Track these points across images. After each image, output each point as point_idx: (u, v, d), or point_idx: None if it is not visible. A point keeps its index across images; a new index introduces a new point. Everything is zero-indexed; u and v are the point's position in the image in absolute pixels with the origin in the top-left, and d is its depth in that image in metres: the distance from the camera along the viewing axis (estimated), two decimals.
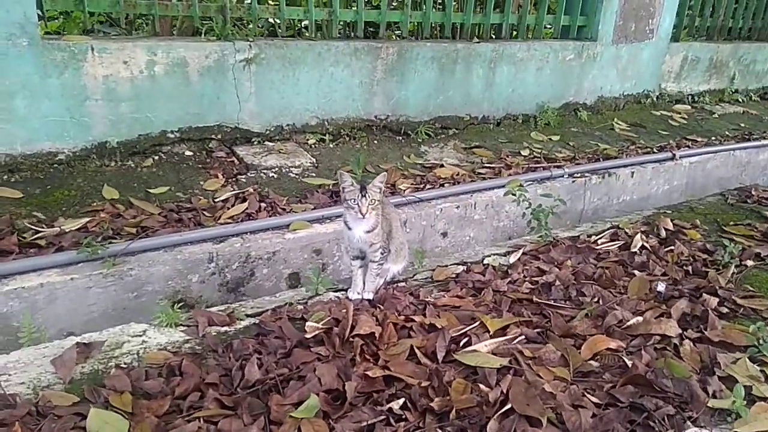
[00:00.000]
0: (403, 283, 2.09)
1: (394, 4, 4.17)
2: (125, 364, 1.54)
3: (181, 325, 1.73)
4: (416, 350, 1.63)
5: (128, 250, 2.20)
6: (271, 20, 3.42)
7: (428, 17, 3.77)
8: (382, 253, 1.95)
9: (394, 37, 4.17)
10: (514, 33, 4.33)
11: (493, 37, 4.17)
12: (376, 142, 3.63)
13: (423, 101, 3.79)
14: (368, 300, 1.95)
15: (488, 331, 1.75)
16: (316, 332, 1.68)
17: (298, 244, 2.53)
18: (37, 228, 2.24)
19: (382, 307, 1.85)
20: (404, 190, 2.98)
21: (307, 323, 1.69)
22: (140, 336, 1.67)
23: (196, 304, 2.34)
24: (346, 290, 2.00)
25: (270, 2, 3.89)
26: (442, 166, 3.39)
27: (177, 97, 2.92)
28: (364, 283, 1.97)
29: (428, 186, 3.10)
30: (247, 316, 1.81)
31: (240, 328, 1.74)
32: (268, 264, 2.48)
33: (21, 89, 2.49)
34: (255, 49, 3.07)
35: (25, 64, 2.50)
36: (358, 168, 2.86)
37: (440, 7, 4.01)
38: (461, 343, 1.69)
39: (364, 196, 1.82)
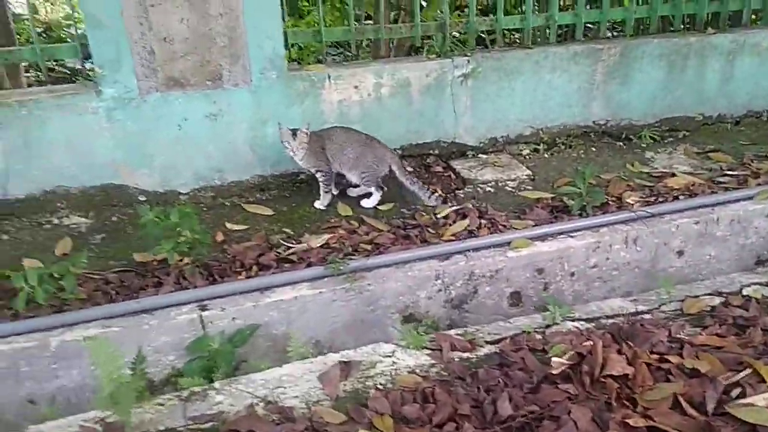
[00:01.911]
0: (648, 315, 1.94)
1: None
2: (380, 385, 1.64)
3: (425, 348, 1.80)
4: (679, 398, 1.50)
5: (365, 267, 2.35)
6: (484, 32, 3.41)
7: (656, 10, 3.45)
8: (321, 174, 2.75)
9: (611, 35, 3.89)
10: (755, 19, 3.77)
11: (731, 26, 3.68)
12: (594, 149, 3.43)
13: (647, 102, 3.48)
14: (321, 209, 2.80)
15: (764, 381, 1.53)
16: (562, 368, 1.62)
17: (520, 263, 2.48)
18: (288, 244, 2.50)
19: (631, 344, 1.72)
20: (632, 204, 2.77)
21: (553, 359, 1.64)
22: (390, 357, 1.77)
23: (423, 319, 2.42)
24: (584, 320, 1.92)
25: (478, 12, 3.87)
26: (673, 175, 3.08)
27: (400, 116, 3.05)
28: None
29: (659, 198, 2.85)
30: (486, 342, 1.82)
31: (481, 355, 1.76)
32: (491, 282, 2.47)
33: (270, 118, 2.80)
34: (472, 63, 3.09)
35: (274, 94, 2.80)
36: (583, 182, 2.71)
37: None
38: (732, 394, 1.51)
39: (295, 139, 2.62)
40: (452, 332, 1.89)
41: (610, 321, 1.91)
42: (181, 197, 2.81)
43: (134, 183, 2.73)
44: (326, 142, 2.74)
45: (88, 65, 2.71)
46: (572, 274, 2.57)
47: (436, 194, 2.83)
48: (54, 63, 4.37)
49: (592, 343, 1.68)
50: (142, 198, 2.76)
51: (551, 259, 2.51)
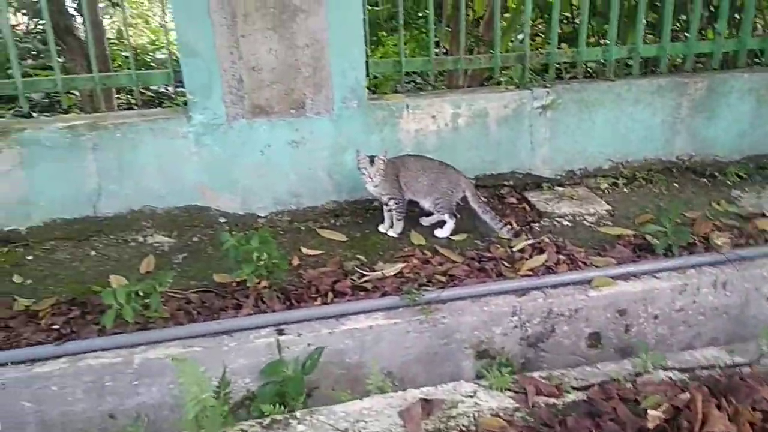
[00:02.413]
0: (747, 368, 1.82)
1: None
2: (463, 426, 1.60)
3: (508, 389, 1.74)
4: None
5: (440, 299, 2.32)
6: (562, 63, 3.35)
7: (744, 44, 3.32)
8: (393, 202, 2.75)
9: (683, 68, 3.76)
10: None
11: None
12: (676, 185, 3.29)
13: (735, 139, 3.33)
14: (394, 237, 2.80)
15: None
16: (657, 422, 1.54)
17: (600, 303, 2.40)
18: (362, 271, 2.49)
19: (731, 399, 1.62)
20: (721, 246, 2.63)
21: (649, 412, 1.55)
22: (471, 397, 1.72)
23: (497, 355, 2.36)
24: (677, 369, 1.82)
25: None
26: (763, 215, 2.92)
27: (475, 146, 3.04)
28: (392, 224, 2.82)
29: (750, 241, 2.70)
30: (573, 388, 1.75)
31: (568, 402, 1.69)
32: (569, 321, 2.39)
33: (349, 145, 2.83)
34: (552, 94, 3.04)
35: (354, 123, 2.84)
36: (668, 220, 2.60)
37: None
38: None
39: (372, 165, 2.62)
40: (536, 374, 1.83)
41: (706, 372, 1.80)
42: (260, 220, 2.87)
43: (216, 205, 2.81)
44: (400, 169, 2.75)
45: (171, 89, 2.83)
46: (656, 317, 2.46)
47: (509, 226, 2.78)
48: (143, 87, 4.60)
49: (689, 396, 1.59)
50: (222, 220, 2.83)
51: (634, 300, 2.41)
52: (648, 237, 2.69)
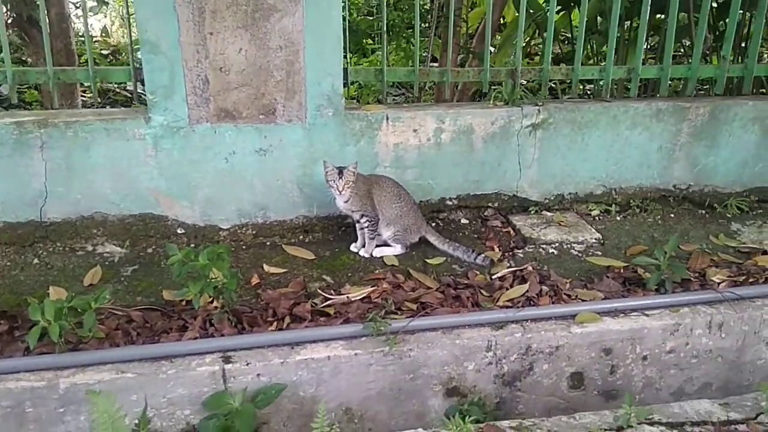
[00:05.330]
0: (743, 426, 1.61)
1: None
2: None
3: None
4: None
5: (408, 329, 2.11)
6: (556, 81, 3.18)
7: (751, 71, 3.14)
8: (366, 219, 2.57)
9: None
10: None
11: None
12: (672, 216, 3.10)
13: (736, 169, 3.14)
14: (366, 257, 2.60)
15: None
16: None
17: (585, 340, 2.19)
18: (326, 294, 2.29)
19: None
20: (718, 283, 2.43)
21: None
22: None
23: (469, 394, 2.15)
24: (664, 424, 1.60)
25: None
26: (764, 252, 2.73)
27: (459, 164, 2.84)
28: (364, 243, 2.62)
29: (749, 279, 2.49)
30: None
31: None
32: (549, 359, 2.18)
33: (323, 156, 2.62)
34: (543, 113, 2.85)
35: (328, 132, 2.65)
36: (662, 253, 2.40)
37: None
38: None
39: (341, 178, 2.43)
40: (505, 424, 1.61)
41: (697, 429, 1.59)
42: (221, 233, 2.66)
43: (174, 215, 2.60)
44: (374, 188, 2.58)
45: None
46: (644, 358, 2.26)
47: (483, 255, 2.58)
48: (117, 86, 4.40)
49: None
50: (180, 231, 2.62)
51: (621, 339, 2.22)
52: (639, 270, 2.50)
